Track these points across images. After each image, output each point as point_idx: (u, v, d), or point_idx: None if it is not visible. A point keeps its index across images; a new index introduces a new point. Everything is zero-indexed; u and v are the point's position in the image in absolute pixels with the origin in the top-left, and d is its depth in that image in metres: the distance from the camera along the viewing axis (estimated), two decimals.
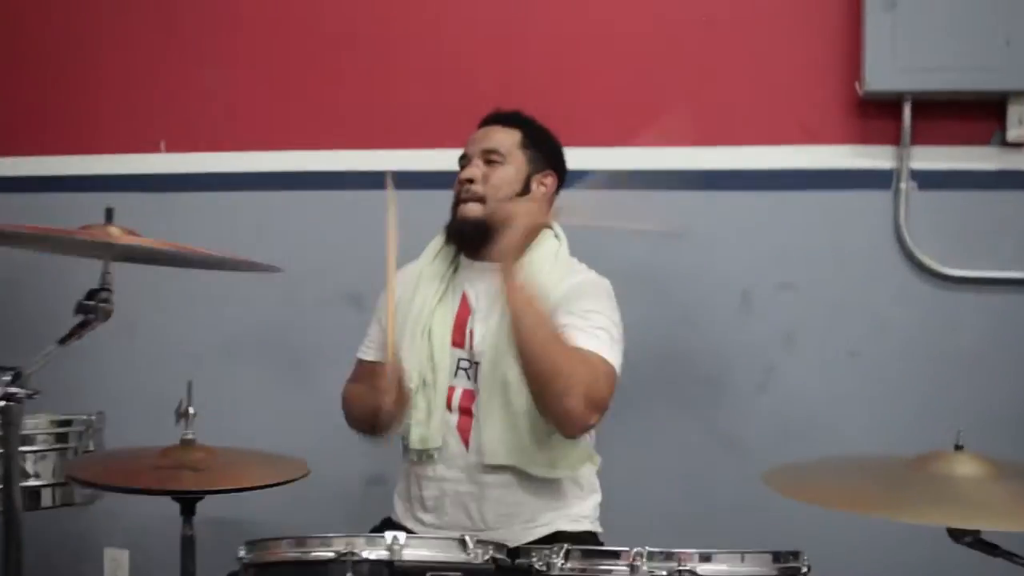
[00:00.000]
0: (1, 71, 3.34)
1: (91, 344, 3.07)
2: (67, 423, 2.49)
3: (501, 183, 2.33)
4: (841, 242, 2.87)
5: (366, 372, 2.41)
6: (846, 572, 2.42)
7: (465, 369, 2.32)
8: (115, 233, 1.88)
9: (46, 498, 2.45)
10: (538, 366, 2.07)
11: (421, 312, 2.35)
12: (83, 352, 3.08)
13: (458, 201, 2.35)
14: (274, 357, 3.13)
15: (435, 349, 2.32)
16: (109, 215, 1.90)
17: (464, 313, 2.35)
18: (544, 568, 1.61)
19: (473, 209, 2.32)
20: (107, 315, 1.84)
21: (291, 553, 1.67)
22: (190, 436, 2.17)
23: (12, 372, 1.78)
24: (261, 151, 3.17)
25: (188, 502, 2.11)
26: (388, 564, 1.60)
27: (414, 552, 1.64)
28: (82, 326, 1.84)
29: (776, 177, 2.89)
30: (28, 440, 2.41)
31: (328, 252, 3.11)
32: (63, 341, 1.83)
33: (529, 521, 2.27)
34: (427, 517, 2.32)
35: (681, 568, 1.54)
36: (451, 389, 2.31)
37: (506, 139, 2.38)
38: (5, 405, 1.77)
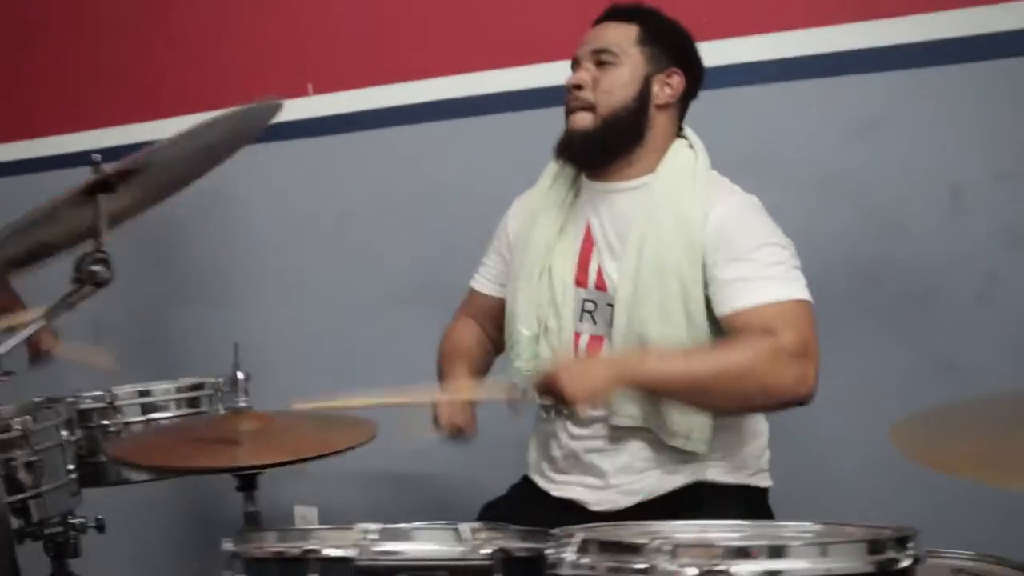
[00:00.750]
0: (145, 35, 3.33)
1: (249, 304, 3.12)
2: (198, 387, 2.41)
3: (613, 86, 2.02)
4: None
5: (477, 305, 2.27)
6: None
7: (590, 312, 2.04)
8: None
9: None
10: (729, 406, 1.94)
11: (539, 248, 2.09)
12: (237, 312, 3.15)
13: (567, 112, 2.07)
14: (440, 302, 2.95)
15: (556, 291, 2.06)
16: (96, 168, 1.63)
17: (588, 246, 2.07)
18: (554, 563, 1.32)
19: (582, 119, 2.03)
20: (99, 282, 1.62)
21: (269, 548, 1.50)
22: (243, 404, 2.02)
23: None
24: (408, 82, 2.97)
25: (245, 477, 1.98)
26: (350, 563, 1.39)
27: (390, 546, 1.42)
28: (70, 295, 1.61)
29: (976, 45, 2.37)
30: (158, 407, 2.36)
31: (487, 181, 2.86)
32: (48, 315, 1.63)
33: (670, 473, 2.00)
34: (559, 477, 2.10)
35: (713, 568, 1.19)
36: (576, 336, 2.05)
37: (619, 35, 2.05)
38: None
